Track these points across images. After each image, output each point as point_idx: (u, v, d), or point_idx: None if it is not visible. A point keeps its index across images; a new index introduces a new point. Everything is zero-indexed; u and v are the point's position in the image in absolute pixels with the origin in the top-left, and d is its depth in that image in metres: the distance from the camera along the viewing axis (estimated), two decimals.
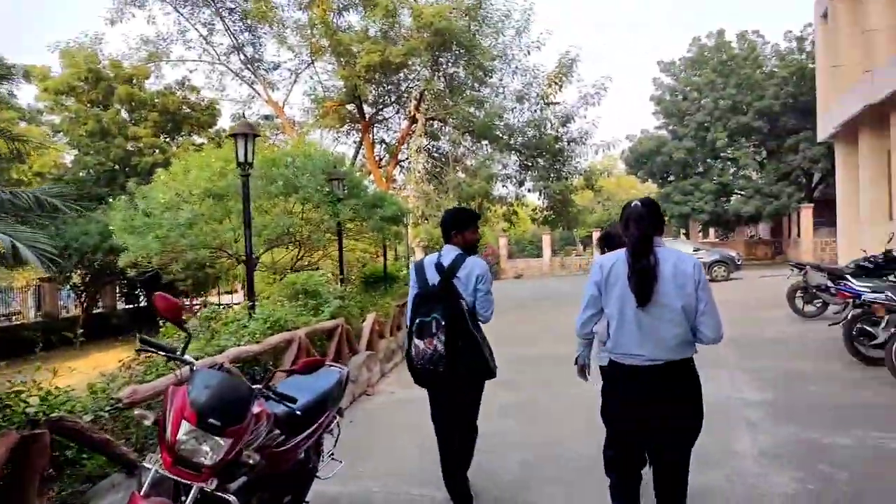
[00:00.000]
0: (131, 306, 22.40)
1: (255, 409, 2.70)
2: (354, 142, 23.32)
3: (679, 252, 2.81)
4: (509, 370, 8.79)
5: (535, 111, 18.97)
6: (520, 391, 7.10)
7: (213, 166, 9.20)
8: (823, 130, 19.91)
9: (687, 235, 37.12)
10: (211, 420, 2.42)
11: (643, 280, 2.65)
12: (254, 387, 2.81)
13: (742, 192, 29.57)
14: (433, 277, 3.76)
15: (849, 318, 7.29)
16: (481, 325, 3.83)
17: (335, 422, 3.83)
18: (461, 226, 3.87)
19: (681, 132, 30.37)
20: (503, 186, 19.20)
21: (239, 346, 4.94)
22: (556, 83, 18.28)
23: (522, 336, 11.51)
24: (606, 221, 36.22)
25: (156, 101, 23.53)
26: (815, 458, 4.38)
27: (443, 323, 3.55)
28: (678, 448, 2.81)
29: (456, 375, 3.66)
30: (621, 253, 2.79)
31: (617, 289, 2.73)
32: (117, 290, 22.21)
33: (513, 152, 19.19)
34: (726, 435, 5.03)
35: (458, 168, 18.52)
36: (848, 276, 8.49)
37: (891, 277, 9.68)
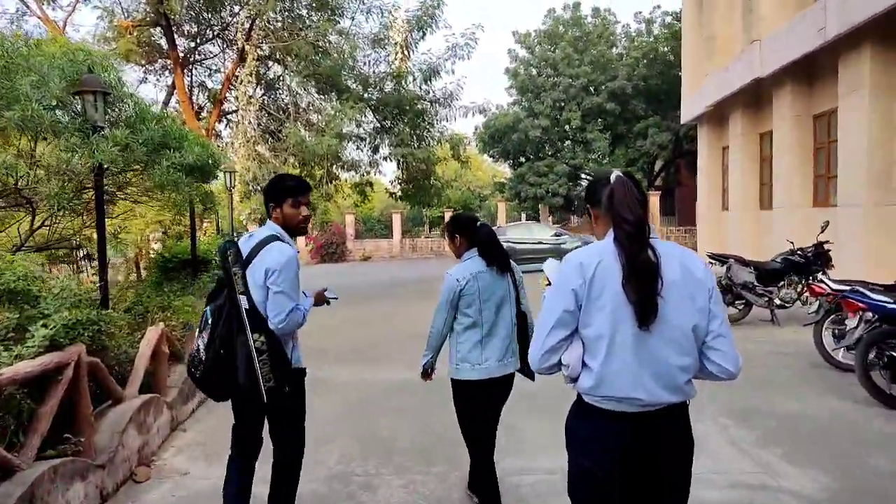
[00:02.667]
0: None
1: None
2: (167, 85, 18.55)
3: (682, 247, 1.98)
4: (383, 412, 5.57)
5: (394, 61, 15.82)
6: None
7: None
8: (690, 110, 19.16)
9: (536, 220, 36.52)
10: None
11: (648, 286, 1.82)
12: None
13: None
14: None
15: (863, 341, 5.26)
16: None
17: None
18: (277, 196, 3.00)
19: (536, 109, 29.04)
20: (357, 149, 15.84)
21: None
22: (418, 28, 15.25)
23: (386, 345, 8.50)
24: (458, 203, 34.28)
25: None
26: None
27: (208, 320, 2.87)
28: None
29: (232, 388, 2.88)
30: (605, 246, 1.92)
31: (606, 299, 1.86)
32: None
33: (367, 109, 15.88)
34: None
35: (299, 123, 14.79)
36: (826, 280, 6.61)
37: (819, 275, 8.09)
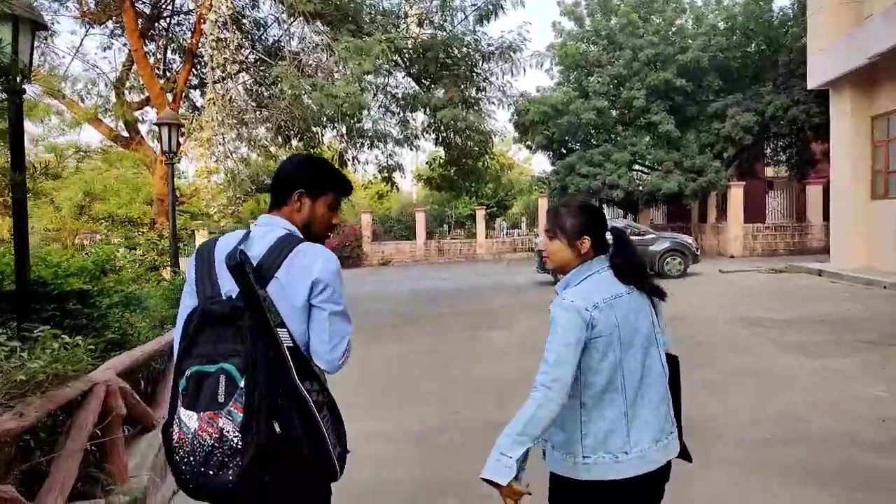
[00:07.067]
0: None
1: None
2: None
3: None
4: None
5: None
6: None
7: None
8: (823, 73, 14.37)
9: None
10: None
11: None
12: None
13: (658, 166, 24.21)
14: (228, 282, 1.70)
15: None
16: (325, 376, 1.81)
17: None
18: (319, 184, 1.90)
19: (590, 88, 24.30)
20: (385, 111, 11.19)
21: None
22: None
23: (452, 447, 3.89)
24: (493, 199, 29.56)
25: None
26: None
27: (240, 382, 1.56)
28: None
29: (263, 490, 1.62)
30: None
31: None
32: None
33: (395, 66, 11.28)
34: None
35: (294, 67, 10.13)
36: None
37: None
